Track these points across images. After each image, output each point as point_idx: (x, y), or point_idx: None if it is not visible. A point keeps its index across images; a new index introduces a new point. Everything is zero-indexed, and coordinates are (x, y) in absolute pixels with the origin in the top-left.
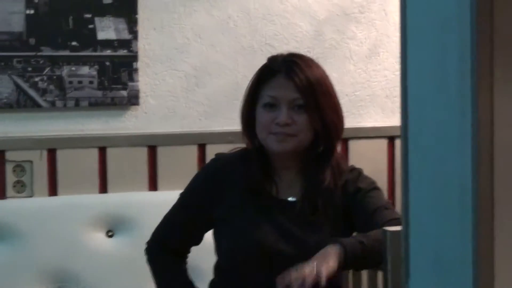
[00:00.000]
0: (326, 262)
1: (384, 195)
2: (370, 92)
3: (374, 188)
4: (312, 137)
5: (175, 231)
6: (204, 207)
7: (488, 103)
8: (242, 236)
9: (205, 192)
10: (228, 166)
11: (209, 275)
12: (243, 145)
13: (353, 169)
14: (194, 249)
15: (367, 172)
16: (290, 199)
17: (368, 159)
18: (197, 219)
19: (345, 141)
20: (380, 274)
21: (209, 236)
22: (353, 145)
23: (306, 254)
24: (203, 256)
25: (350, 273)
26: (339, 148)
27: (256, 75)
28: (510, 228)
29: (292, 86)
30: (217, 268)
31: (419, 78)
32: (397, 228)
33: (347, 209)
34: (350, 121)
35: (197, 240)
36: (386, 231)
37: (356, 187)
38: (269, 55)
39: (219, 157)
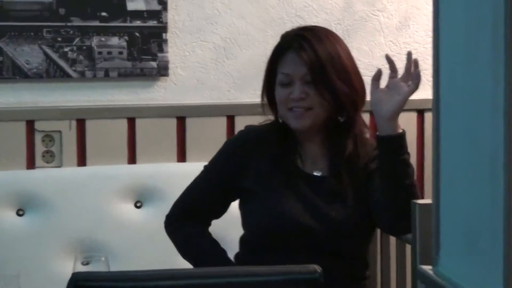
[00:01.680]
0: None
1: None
2: (400, 65)
3: None
4: (329, 109)
5: (196, 201)
6: (231, 177)
7: None
8: (268, 209)
9: (233, 162)
10: (256, 137)
11: (236, 248)
12: (272, 118)
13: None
14: (220, 221)
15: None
16: (315, 173)
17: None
18: (222, 188)
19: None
20: (408, 247)
21: (236, 209)
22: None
23: (332, 229)
24: (229, 228)
25: (378, 245)
26: (367, 119)
27: (272, 54)
28: None
29: (302, 62)
30: (243, 241)
31: (451, 47)
32: (427, 201)
33: (366, 182)
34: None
35: (219, 212)
36: (415, 203)
37: (368, 169)
38: (301, 22)
39: (248, 129)
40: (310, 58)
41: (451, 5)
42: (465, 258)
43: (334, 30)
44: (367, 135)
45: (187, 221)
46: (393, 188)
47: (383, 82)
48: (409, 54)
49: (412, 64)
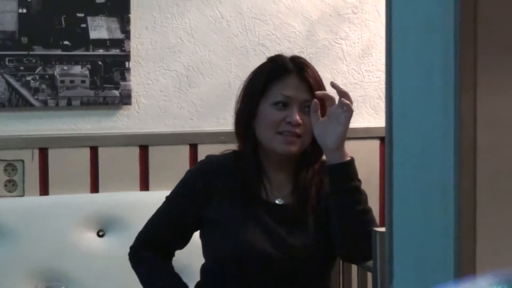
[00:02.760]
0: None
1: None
2: (362, 93)
3: None
4: (311, 138)
5: (159, 233)
6: (192, 207)
7: (471, 104)
8: (229, 238)
9: (194, 192)
10: (218, 167)
11: (197, 277)
12: (234, 147)
13: None
14: (182, 250)
15: (359, 172)
16: (278, 201)
17: (360, 160)
18: (184, 219)
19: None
20: (369, 275)
21: (197, 238)
22: (345, 145)
23: (291, 256)
24: (190, 258)
25: (340, 273)
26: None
27: (264, 72)
28: (492, 230)
29: (305, 87)
30: (204, 270)
31: (404, 79)
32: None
33: (326, 210)
34: None
35: (182, 243)
36: (375, 231)
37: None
38: (262, 55)
39: (209, 158)
40: (314, 85)
41: (403, 34)
42: (417, 287)
43: None
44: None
45: (151, 252)
46: (346, 215)
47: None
48: (332, 83)
49: (338, 92)
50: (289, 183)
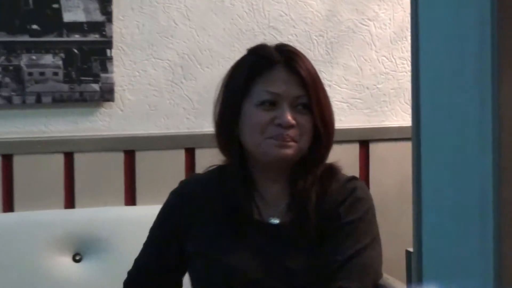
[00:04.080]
0: None
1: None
2: (395, 85)
3: (359, 218)
4: (309, 143)
5: (153, 262)
6: (173, 241)
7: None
8: (218, 268)
9: (172, 224)
10: (199, 189)
11: None
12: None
13: (348, 182)
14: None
15: (391, 182)
16: (272, 221)
17: (393, 166)
18: (167, 253)
19: (365, 144)
20: None
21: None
22: (375, 149)
23: (291, 281)
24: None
25: None
26: (356, 152)
27: (245, 67)
28: None
29: (296, 81)
30: None
31: (432, 67)
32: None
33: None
34: (372, 120)
35: (178, 276)
36: (409, 252)
37: (337, 213)
38: (273, 40)
39: (189, 178)
40: (307, 77)
41: (431, 21)
42: None
43: (315, 44)
44: (340, 172)
45: (149, 283)
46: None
47: (369, 104)
48: None
49: None
50: (285, 197)
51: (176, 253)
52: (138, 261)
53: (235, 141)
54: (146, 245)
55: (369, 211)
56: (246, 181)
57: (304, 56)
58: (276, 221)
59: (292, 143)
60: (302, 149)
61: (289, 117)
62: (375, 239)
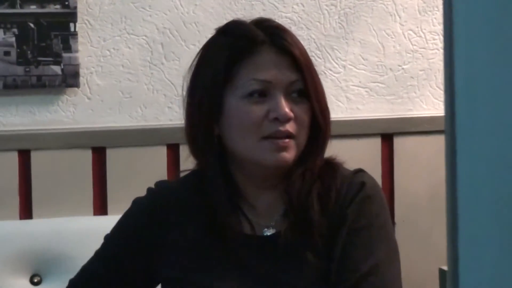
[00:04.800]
0: None
1: (390, 233)
2: (425, 65)
3: (371, 223)
4: (306, 136)
5: (104, 276)
6: (138, 258)
7: None
8: None
9: (138, 240)
10: (173, 200)
11: None
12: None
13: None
14: None
15: (421, 185)
16: (267, 233)
17: (423, 165)
18: (130, 269)
19: (389, 139)
20: None
21: None
22: (401, 144)
23: None
24: None
25: None
26: (377, 148)
27: (222, 51)
28: None
29: (288, 63)
30: None
31: (470, 45)
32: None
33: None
34: (396, 109)
35: None
36: (443, 271)
37: (344, 214)
38: (274, 10)
39: (159, 187)
40: (300, 57)
41: None
42: None
43: (326, 15)
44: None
45: None
46: None
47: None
48: None
49: None
50: (281, 203)
51: (139, 271)
52: (85, 270)
53: (214, 143)
54: (99, 254)
55: (383, 211)
56: (230, 190)
57: (292, 33)
58: (271, 231)
59: (290, 143)
60: (301, 146)
61: (286, 109)
62: (392, 249)
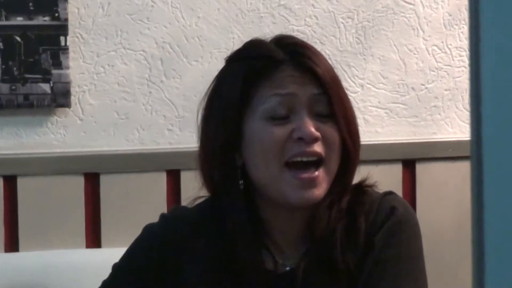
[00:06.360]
0: None
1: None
2: (451, 84)
3: (399, 254)
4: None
5: None
6: None
7: None
8: None
9: (151, 271)
10: (187, 228)
11: None
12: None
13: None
14: None
15: (446, 216)
16: (289, 267)
17: (448, 194)
18: None
19: (411, 165)
20: None
21: None
22: (424, 171)
23: None
24: None
25: None
26: (398, 175)
27: (238, 75)
28: None
29: (310, 80)
30: None
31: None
32: None
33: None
34: (419, 132)
35: None
36: None
37: (370, 243)
38: (285, 23)
39: (173, 214)
40: (325, 73)
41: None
42: None
43: (342, 29)
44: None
45: None
46: None
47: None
48: None
49: None
50: (307, 238)
51: None
52: None
53: (235, 176)
54: (108, 284)
55: (414, 240)
56: (253, 222)
57: (317, 50)
58: (290, 266)
59: (320, 175)
60: (332, 174)
61: (312, 128)
62: (423, 283)
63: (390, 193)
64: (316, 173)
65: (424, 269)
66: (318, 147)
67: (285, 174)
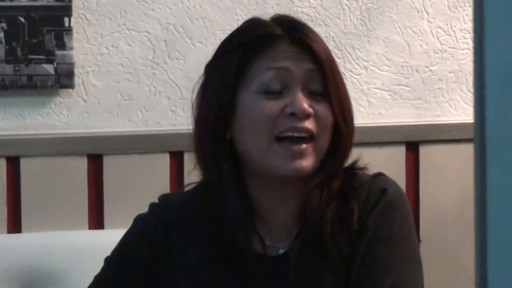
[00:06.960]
0: None
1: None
2: (455, 67)
3: (393, 233)
4: (328, 140)
5: None
6: (143, 280)
7: None
8: None
9: (143, 260)
10: (178, 216)
11: None
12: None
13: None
14: None
15: (449, 199)
16: (282, 250)
17: (452, 177)
18: None
19: (414, 147)
20: None
21: None
22: (427, 153)
23: None
24: None
25: None
26: (402, 157)
27: (234, 47)
28: None
29: (305, 56)
30: None
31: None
32: None
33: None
34: (423, 115)
35: None
36: None
37: (363, 225)
38: (288, 5)
39: (163, 202)
40: (320, 50)
41: None
42: None
43: (346, 11)
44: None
45: None
46: None
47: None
48: None
49: None
50: (297, 220)
51: None
52: None
53: (226, 150)
54: (100, 278)
55: (406, 220)
56: (244, 203)
57: (312, 29)
58: (284, 250)
59: (308, 148)
60: (322, 152)
61: (304, 104)
62: (416, 261)
63: (379, 174)
64: (305, 145)
65: (417, 247)
66: (309, 124)
67: (274, 146)
